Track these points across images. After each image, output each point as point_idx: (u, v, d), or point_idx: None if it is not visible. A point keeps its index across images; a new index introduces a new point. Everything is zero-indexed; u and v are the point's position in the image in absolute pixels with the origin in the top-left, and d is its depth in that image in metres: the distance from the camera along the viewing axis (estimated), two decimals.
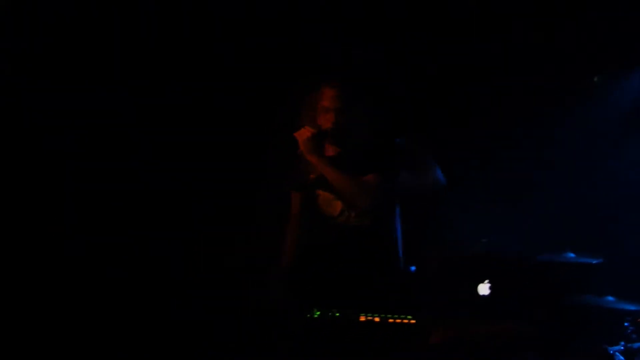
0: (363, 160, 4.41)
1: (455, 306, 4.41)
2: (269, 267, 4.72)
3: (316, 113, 4.38)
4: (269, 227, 4.99)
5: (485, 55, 5.34)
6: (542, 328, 4.22)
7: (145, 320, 4.90)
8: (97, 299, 4.93)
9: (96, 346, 4.73)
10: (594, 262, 4.73)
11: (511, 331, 4.00)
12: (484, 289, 4.47)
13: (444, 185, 4.51)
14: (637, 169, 5.30)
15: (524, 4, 5.23)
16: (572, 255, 4.78)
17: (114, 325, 4.84)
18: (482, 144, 5.43)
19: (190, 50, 5.21)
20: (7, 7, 5.00)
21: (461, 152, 5.02)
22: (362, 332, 3.70)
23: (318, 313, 3.74)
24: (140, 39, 5.16)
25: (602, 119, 5.36)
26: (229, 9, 5.20)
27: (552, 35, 5.30)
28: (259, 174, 5.19)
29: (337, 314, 3.72)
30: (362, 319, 3.71)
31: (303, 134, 4.30)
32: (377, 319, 3.69)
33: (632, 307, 4.55)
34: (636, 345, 4.56)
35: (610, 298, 4.64)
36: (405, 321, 3.68)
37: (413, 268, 4.47)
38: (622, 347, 4.43)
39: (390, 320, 3.69)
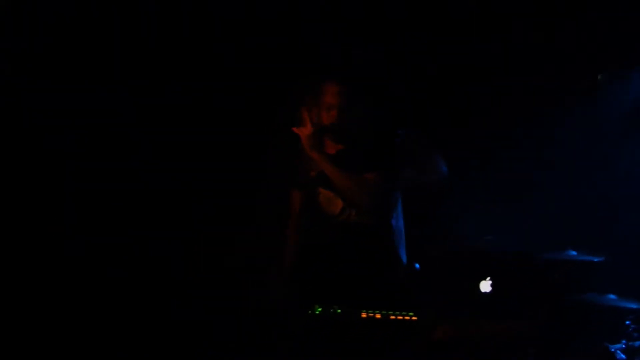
0: (364, 159, 4.41)
1: (457, 303, 4.41)
2: (269, 267, 4.72)
3: (319, 110, 4.38)
4: (269, 227, 4.99)
5: (485, 55, 5.34)
6: (544, 326, 4.22)
7: (145, 320, 4.89)
8: (97, 299, 4.92)
9: (96, 346, 4.72)
10: (596, 260, 4.73)
11: (512, 329, 3.99)
12: (485, 286, 4.46)
13: (447, 175, 4.52)
14: (638, 169, 5.30)
15: (524, 4, 5.23)
16: (573, 253, 4.77)
17: (114, 325, 4.82)
18: (482, 144, 5.43)
19: (190, 50, 5.21)
20: (7, 7, 5.00)
21: (461, 152, 5.01)
22: (363, 328, 3.69)
23: (319, 309, 3.74)
24: (140, 39, 5.16)
25: (602, 118, 5.36)
26: (229, 9, 5.20)
27: (552, 35, 5.30)
28: (259, 174, 5.20)
29: (339, 311, 3.72)
30: (364, 315, 3.70)
31: (305, 130, 4.30)
32: (378, 316, 3.69)
33: (633, 305, 4.55)
34: (637, 343, 4.56)
35: (611, 296, 4.64)
36: (407, 318, 3.68)
37: (417, 265, 4.47)
38: (623, 345, 4.43)
39: (392, 317, 3.68)
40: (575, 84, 5.40)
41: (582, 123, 5.33)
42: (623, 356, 4.35)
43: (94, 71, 5.11)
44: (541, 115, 5.39)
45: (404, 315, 3.68)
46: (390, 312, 3.70)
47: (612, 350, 4.37)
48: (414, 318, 3.67)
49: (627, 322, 4.50)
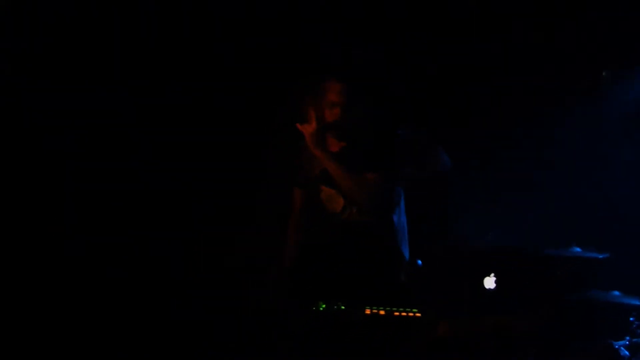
0: (364, 158, 4.41)
1: (461, 300, 4.41)
2: (269, 267, 4.71)
3: (322, 107, 4.38)
4: (269, 227, 5.00)
5: (485, 55, 5.33)
6: (547, 322, 4.22)
7: (145, 320, 4.87)
8: (97, 299, 4.91)
9: (96, 346, 4.70)
10: (600, 256, 4.72)
11: (515, 326, 3.99)
12: (490, 282, 4.45)
13: (449, 165, 4.52)
14: (638, 169, 5.30)
15: (524, 4, 5.23)
16: (578, 249, 4.77)
17: (114, 325, 4.81)
18: (482, 144, 5.42)
19: (190, 50, 5.21)
20: (7, 7, 4.99)
21: (461, 152, 5.00)
22: (367, 325, 3.69)
23: (324, 306, 3.74)
24: (140, 39, 5.16)
25: (602, 118, 5.36)
26: (229, 9, 5.20)
27: (552, 35, 5.30)
28: (259, 174, 5.20)
29: (343, 307, 3.72)
30: (368, 312, 3.70)
31: (310, 128, 4.30)
32: (382, 312, 3.69)
33: (637, 302, 4.54)
34: None
35: (615, 293, 4.63)
36: (411, 314, 3.68)
37: (419, 262, 4.47)
38: (627, 342, 4.42)
39: (396, 314, 3.68)
40: (575, 84, 5.40)
41: (583, 123, 5.32)
42: (627, 353, 4.34)
43: (94, 71, 5.11)
44: (541, 115, 5.39)
45: (407, 312, 3.68)
46: (394, 309, 3.70)
47: (616, 347, 4.36)
48: (418, 315, 3.67)
49: (631, 319, 4.49)
